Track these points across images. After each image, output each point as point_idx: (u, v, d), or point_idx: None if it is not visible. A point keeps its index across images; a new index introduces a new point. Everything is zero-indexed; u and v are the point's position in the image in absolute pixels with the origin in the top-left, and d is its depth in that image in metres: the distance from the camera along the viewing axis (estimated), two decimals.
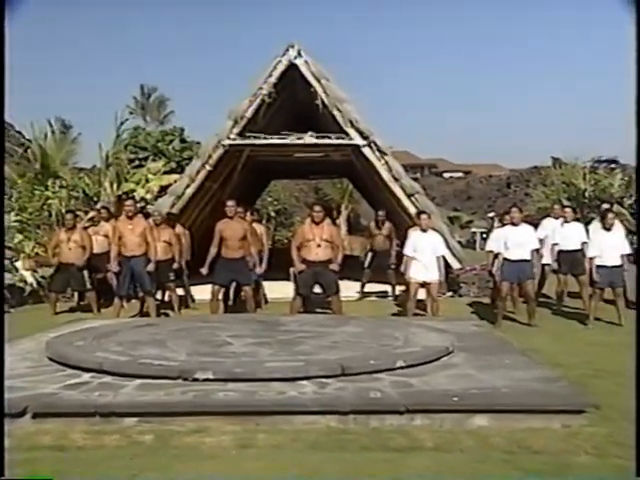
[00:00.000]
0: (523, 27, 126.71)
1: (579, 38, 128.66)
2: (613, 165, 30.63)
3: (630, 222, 12.45)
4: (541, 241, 11.19)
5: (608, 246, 9.93)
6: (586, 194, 25.34)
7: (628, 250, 10.21)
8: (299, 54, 13.44)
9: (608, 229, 10.10)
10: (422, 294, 10.25)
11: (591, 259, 10.09)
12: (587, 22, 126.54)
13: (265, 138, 13.77)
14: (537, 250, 10.44)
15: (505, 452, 4.50)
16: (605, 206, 11.88)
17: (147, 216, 11.53)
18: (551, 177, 29.93)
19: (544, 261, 11.58)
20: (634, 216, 14.89)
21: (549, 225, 11.91)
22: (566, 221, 11.47)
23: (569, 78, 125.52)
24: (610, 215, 10.31)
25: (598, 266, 9.93)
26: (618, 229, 10.61)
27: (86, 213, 14.62)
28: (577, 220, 11.92)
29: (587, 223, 12.13)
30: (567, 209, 11.98)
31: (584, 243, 10.95)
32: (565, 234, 11.26)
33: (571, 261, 11.07)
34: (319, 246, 9.86)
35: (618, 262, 9.92)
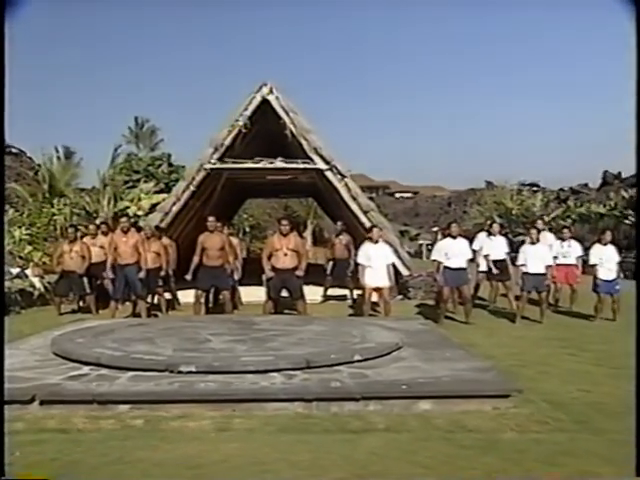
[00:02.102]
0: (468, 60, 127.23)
1: (514, 78, 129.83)
2: (535, 188, 31.24)
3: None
4: (475, 252, 11.31)
5: (532, 257, 10.07)
6: (513, 212, 25.77)
7: (550, 262, 10.35)
8: (271, 91, 13.47)
9: (533, 243, 10.25)
10: (376, 297, 10.28)
11: (517, 267, 10.26)
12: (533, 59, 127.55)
13: (241, 163, 13.75)
14: (472, 259, 10.55)
15: (445, 431, 4.55)
16: (539, 223, 11.93)
17: (139, 230, 11.45)
18: (485, 197, 30.41)
19: (479, 269, 11.70)
20: (552, 230, 15.09)
21: (482, 238, 12.03)
22: (492, 235, 11.61)
23: (505, 114, 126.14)
24: (533, 231, 10.47)
25: (524, 273, 10.07)
26: (544, 242, 10.76)
27: (87, 228, 14.45)
28: (505, 235, 12.03)
29: (515, 236, 12.27)
30: (494, 225, 12.13)
31: (508, 253, 11.16)
32: (492, 246, 11.41)
33: (499, 269, 11.25)
34: (286, 255, 9.83)
35: (542, 270, 10.05)
